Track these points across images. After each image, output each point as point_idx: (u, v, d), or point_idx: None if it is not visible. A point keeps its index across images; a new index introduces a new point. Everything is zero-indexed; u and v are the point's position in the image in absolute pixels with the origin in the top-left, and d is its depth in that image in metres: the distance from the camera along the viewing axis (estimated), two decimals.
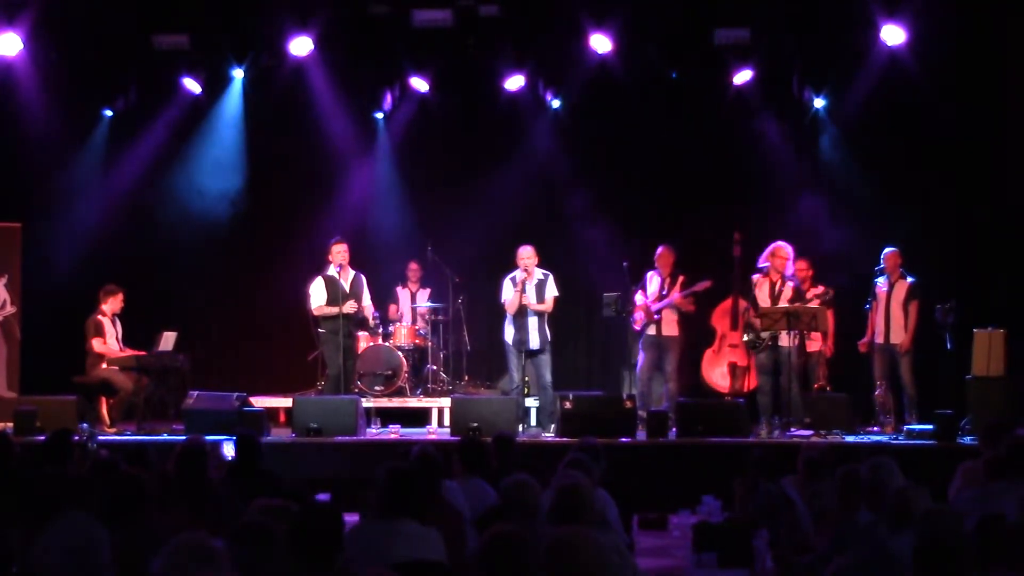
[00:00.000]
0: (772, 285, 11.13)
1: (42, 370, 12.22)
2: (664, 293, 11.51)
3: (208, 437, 7.34)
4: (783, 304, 10.90)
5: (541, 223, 12.97)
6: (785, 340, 10.92)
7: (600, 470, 6.78)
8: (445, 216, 13.34)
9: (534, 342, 11.12)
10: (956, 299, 10.99)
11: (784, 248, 11.16)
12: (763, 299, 11.09)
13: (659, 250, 11.68)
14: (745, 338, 11.30)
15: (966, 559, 4.04)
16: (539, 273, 11.21)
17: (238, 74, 13.05)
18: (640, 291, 11.56)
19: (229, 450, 8.38)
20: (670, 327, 11.54)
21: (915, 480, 5.32)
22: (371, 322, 12.11)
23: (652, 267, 11.68)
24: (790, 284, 11.11)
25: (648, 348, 11.55)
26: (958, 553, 4.03)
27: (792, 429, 10.68)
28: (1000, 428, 7.14)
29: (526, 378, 11.30)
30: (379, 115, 13.67)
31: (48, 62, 12.58)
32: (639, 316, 11.53)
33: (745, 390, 11.55)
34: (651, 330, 11.51)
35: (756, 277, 11.28)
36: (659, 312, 11.48)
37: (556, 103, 13.33)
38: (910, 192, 12.48)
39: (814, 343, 11.42)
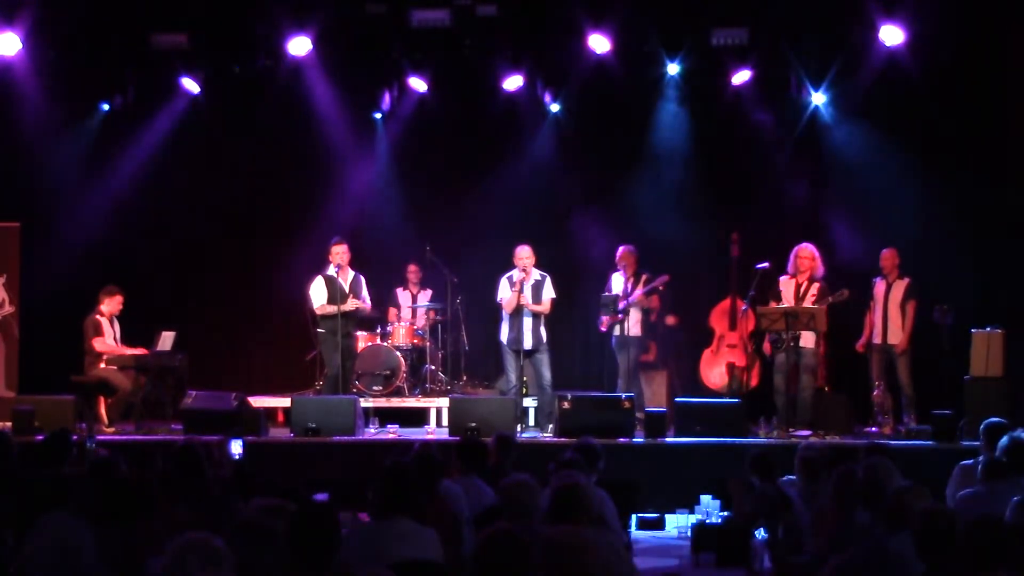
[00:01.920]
0: (798, 286, 11.07)
1: (40, 369, 12.22)
2: (628, 292, 11.49)
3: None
4: (807, 304, 10.84)
5: (539, 223, 12.95)
6: (805, 340, 10.88)
7: (598, 470, 6.79)
8: (443, 216, 13.34)
9: (528, 342, 11.10)
10: (954, 299, 10.99)
11: (806, 248, 11.10)
12: (787, 299, 11.01)
13: (620, 250, 11.66)
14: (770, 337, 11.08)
15: (963, 558, 4.04)
16: (536, 274, 11.20)
17: (236, 72, 13.04)
18: (606, 293, 11.55)
19: (237, 448, 8.40)
20: (634, 327, 11.58)
21: (913, 481, 5.32)
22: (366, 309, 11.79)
23: (615, 268, 11.66)
24: (816, 284, 11.03)
25: (618, 349, 11.56)
26: (954, 552, 4.03)
27: (791, 429, 10.66)
28: (998, 429, 7.14)
29: (524, 378, 11.29)
30: (377, 115, 13.66)
31: (46, 62, 12.56)
32: (604, 318, 11.53)
33: (743, 390, 11.54)
34: (616, 331, 11.51)
35: (783, 279, 11.18)
36: (623, 312, 11.45)
37: (554, 104, 13.33)
38: (909, 192, 12.47)
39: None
